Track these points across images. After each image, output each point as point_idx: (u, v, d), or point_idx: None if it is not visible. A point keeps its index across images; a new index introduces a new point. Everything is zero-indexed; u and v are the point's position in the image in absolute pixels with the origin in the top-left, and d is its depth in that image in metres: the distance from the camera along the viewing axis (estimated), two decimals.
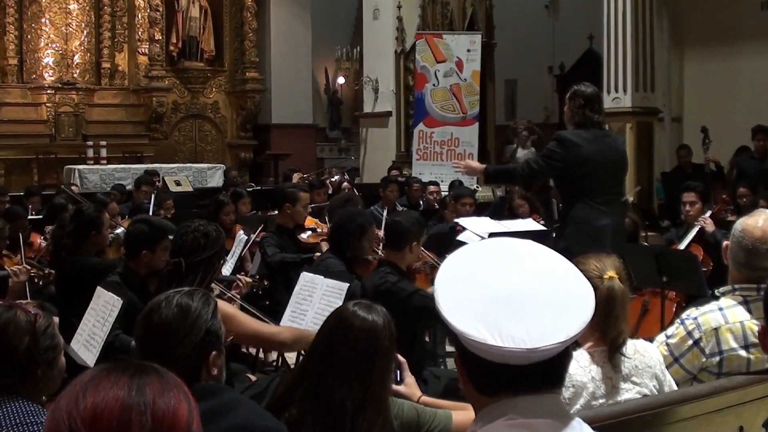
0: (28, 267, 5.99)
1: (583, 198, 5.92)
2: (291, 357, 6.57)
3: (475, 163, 6.68)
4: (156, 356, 2.41)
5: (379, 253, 6.49)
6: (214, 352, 2.66)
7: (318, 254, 6.76)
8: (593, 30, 16.12)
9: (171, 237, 5.29)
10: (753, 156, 11.29)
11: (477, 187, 13.00)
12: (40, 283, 6.04)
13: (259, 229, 7.50)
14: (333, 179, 12.30)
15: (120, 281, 5.03)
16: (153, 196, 10.34)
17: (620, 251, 6.02)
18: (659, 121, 13.08)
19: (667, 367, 3.28)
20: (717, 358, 3.33)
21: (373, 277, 5.19)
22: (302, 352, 5.39)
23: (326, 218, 7.93)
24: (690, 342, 3.37)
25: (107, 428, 1.38)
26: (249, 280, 5.17)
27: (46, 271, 6.10)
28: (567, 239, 5.85)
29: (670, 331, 3.48)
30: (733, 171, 11.07)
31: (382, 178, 11.62)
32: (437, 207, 10.15)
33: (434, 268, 6.88)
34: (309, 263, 6.59)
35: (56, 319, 5.41)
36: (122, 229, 7.27)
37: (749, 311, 3.36)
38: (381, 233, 6.59)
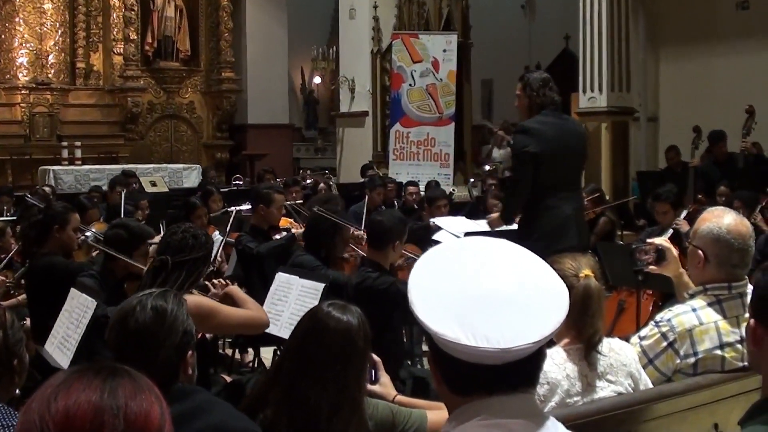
0: (3, 279, 5.99)
1: (546, 191, 5.64)
2: (267, 358, 6.56)
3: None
4: (135, 361, 2.15)
5: (358, 251, 6.50)
6: (190, 352, 2.66)
7: None
8: (569, 30, 16.19)
9: (150, 242, 5.30)
10: (715, 161, 11.21)
11: (453, 189, 13.05)
12: (16, 294, 6.02)
13: (229, 225, 7.37)
14: (307, 182, 12.23)
15: (97, 278, 5.03)
16: (123, 194, 10.03)
17: (587, 242, 6.02)
18: (635, 121, 13.17)
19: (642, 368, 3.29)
20: (692, 360, 3.32)
21: (356, 277, 5.24)
22: (278, 351, 5.41)
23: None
24: (664, 344, 3.36)
25: (79, 431, 1.37)
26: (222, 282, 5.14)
27: (21, 281, 6.07)
28: (532, 238, 5.49)
29: (644, 332, 3.47)
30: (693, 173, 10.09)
31: (368, 179, 11.40)
32: (416, 207, 10.18)
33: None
34: (293, 241, 6.61)
35: (27, 321, 5.40)
36: (92, 232, 7.18)
37: (722, 310, 3.36)
38: (361, 233, 6.59)
